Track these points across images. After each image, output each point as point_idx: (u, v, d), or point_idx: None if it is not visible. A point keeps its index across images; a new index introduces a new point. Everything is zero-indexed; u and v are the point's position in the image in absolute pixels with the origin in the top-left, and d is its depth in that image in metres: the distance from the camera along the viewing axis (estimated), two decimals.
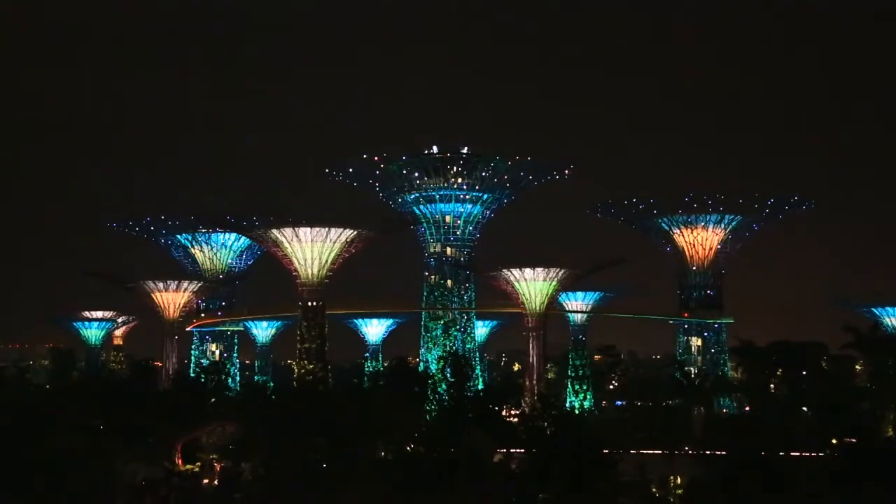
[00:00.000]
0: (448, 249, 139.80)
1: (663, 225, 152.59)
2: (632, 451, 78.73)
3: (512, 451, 76.65)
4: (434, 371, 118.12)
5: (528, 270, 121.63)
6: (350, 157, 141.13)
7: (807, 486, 63.60)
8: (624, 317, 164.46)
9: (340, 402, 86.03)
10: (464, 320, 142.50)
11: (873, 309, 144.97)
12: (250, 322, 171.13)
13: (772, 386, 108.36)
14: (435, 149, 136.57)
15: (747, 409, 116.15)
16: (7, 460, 60.96)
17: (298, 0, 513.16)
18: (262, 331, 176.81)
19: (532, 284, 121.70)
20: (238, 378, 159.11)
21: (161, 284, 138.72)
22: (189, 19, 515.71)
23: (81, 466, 62.90)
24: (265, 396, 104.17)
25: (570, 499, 63.14)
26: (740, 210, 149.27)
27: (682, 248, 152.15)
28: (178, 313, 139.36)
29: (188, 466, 79.68)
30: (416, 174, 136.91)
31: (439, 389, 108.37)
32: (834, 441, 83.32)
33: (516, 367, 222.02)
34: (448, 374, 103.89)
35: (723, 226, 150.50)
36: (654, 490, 75.45)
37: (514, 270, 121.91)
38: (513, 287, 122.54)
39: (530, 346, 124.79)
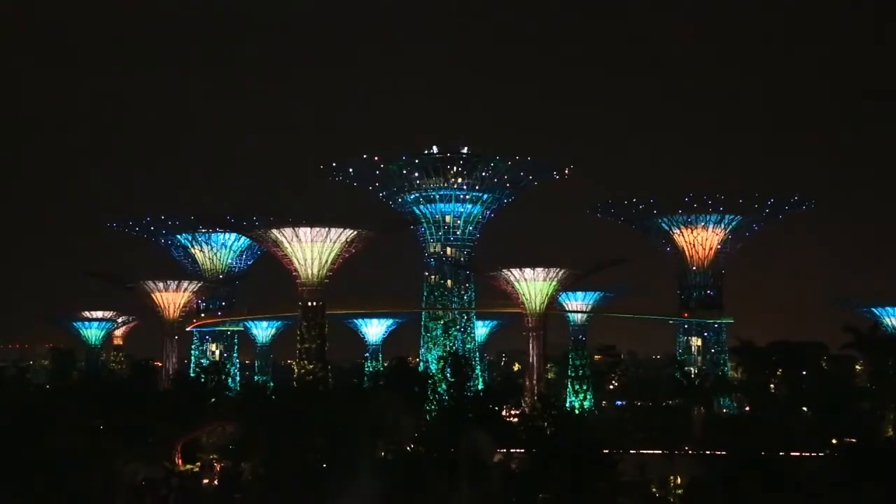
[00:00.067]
0: (448, 249, 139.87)
1: (663, 225, 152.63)
2: (632, 451, 78.72)
3: (512, 451, 76.71)
4: (434, 371, 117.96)
5: (528, 270, 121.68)
6: (350, 157, 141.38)
7: (807, 486, 63.56)
8: (624, 317, 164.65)
9: (340, 402, 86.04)
10: (464, 320, 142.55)
11: (873, 309, 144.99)
12: (250, 322, 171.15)
13: (772, 386, 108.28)
14: (435, 149, 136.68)
15: (747, 409, 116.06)
16: (7, 460, 60.98)
17: (298, 0, 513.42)
18: (262, 331, 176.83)
19: (532, 284, 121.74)
20: (238, 378, 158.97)
21: (161, 284, 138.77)
22: (189, 19, 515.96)
23: (81, 466, 63.00)
24: (265, 396, 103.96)
25: (570, 499, 63.18)
26: (740, 210, 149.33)
27: (682, 248, 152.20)
28: (178, 313, 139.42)
29: (188, 466, 79.66)
30: (416, 174, 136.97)
31: (439, 389, 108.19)
32: (834, 441, 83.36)
33: (516, 367, 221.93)
34: (448, 374, 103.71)
35: (723, 226, 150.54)
36: (654, 490, 75.48)
37: (514, 270, 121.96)
38: (513, 287, 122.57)
39: (530, 346, 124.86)
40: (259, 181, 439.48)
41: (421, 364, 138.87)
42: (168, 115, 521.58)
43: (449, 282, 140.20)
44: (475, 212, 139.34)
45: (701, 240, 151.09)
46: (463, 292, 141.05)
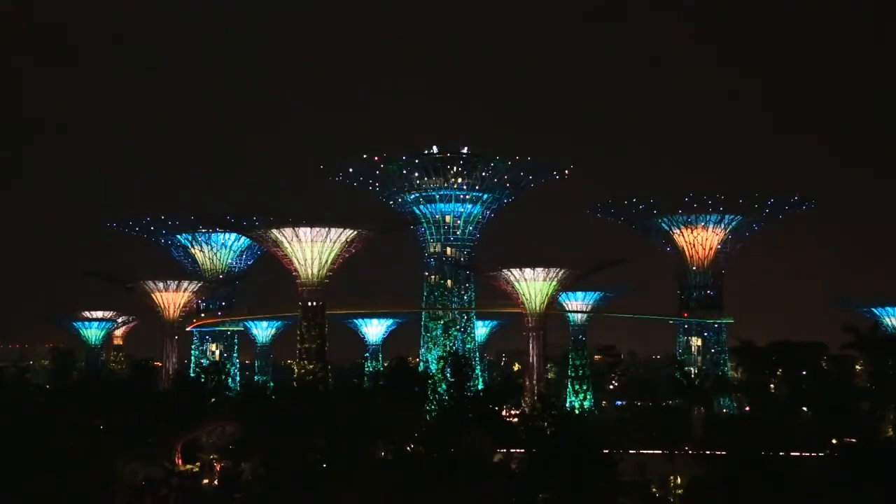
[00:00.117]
0: (448, 249, 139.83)
1: (663, 225, 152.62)
2: (632, 451, 78.75)
3: (512, 451, 76.67)
4: (434, 371, 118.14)
5: (528, 270, 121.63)
6: (350, 157, 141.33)
7: (807, 486, 63.54)
8: (624, 317, 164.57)
9: (340, 402, 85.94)
10: (464, 320, 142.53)
11: (873, 309, 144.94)
12: (250, 322, 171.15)
13: (772, 386, 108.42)
14: (435, 149, 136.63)
15: (747, 409, 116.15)
16: (7, 460, 60.96)
17: (298, 0, 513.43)
18: (262, 331, 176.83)
19: (532, 284, 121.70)
20: (238, 378, 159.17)
21: (161, 284, 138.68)
22: (189, 19, 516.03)
23: (81, 466, 62.93)
24: (265, 396, 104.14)
25: (570, 499, 63.13)
26: (740, 210, 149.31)
27: (682, 248, 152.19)
28: (178, 313, 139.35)
29: (188, 466, 79.70)
30: (416, 174, 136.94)
31: (439, 389, 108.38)
32: (834, 441, 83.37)
33: (516, 367, 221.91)
34: (448, 374, 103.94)
35: (723, 226, 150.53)
36: (654, 490, 75.42)
37: (514, 270, 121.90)
38: (513, 287, 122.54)
39: (530, 346, 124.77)
40: (259, 181, 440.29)
41: (421, 364, 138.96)
42: (168, 115, 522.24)
43: (449, 282, 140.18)
44: (475, 212, 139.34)
45: (701, 240, 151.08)
46: (463, 292, 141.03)
